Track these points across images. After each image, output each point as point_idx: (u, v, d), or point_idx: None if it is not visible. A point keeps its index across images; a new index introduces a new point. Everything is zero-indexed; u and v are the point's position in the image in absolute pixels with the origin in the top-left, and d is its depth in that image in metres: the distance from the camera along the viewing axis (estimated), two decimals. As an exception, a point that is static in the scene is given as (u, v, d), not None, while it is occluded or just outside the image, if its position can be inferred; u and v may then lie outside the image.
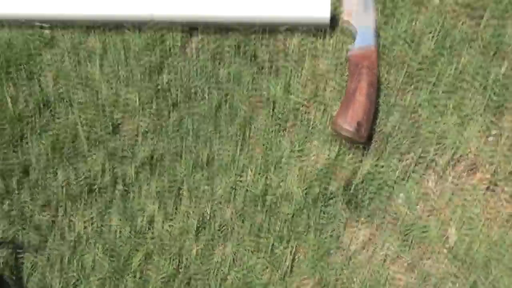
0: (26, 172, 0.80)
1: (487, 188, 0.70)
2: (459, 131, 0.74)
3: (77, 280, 0.73)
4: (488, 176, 0.70)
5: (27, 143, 0.82)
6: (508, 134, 0.73)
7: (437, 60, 0.80)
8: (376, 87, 0.77)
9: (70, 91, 0.86)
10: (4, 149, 0.81)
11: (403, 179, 0.72)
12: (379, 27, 0.83)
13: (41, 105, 0.85)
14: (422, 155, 0.73)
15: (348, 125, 0.72)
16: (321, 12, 0.81)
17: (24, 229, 0.76)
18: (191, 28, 0.85)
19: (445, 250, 0.67)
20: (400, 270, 0.68)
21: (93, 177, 0.78)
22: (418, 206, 0.70)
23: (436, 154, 0.72)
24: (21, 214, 0.77)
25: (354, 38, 0.82)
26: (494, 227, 0.67)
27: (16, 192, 0.79)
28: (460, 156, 0.72)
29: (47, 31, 0.91)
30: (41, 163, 0.80)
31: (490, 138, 0.72)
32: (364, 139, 0.72)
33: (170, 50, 0.86)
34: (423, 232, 0.68)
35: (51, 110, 0.84)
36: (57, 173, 0.79)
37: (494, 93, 0.76)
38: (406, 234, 0.68)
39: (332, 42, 0.84)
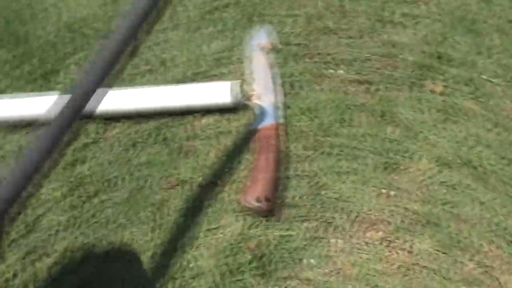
0: None
1: (383, 242, 0.74)
2: (358, 192, 0.79)
3: None
4: (384, 231, 0.74)
5: None
6: (402, 192, 0.78)
7: (335, 129, 0.86)
8: (281, 161, 0.82)
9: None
10: None
11: (311, 245, 0.75)
12: (286, 104, 0.90)
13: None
14: (326, 219, 0.77)
15: (248, 203, 0.76)
16: (224, 96, 0.88)
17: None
18: (110, 118, 0.90)
19: None
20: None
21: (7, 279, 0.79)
22: (325, 269, 0.72)
23: (338, 216, 0.77)
24: None
25: (257, 118, 0.88)
26: (389, 279, 0.70)
27: None
28: (357, 216, 0.77)
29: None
30: None
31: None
32: (271, 211, 0.76)
33: (91, 141, 0.91)
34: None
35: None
36: None
37: (384, 154, 0.82)
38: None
39: (241, 123, 0.90)
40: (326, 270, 0.73)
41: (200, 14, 1.08)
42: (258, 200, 0.76)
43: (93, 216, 0.83)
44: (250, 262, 0.74)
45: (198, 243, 0.78)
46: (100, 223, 0.81)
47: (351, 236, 0.75)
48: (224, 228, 0.79)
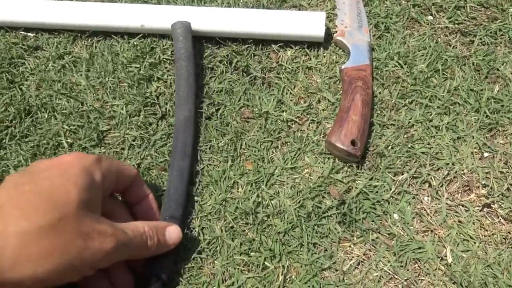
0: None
1: (482, 208, 0.69)
2: (453, 151, 0.73)
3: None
4: (482, 195, 0.69)
5: (5, 150, 0.78)
6: (501, 155, 0.73)
7: (429, 80, 0.80)
8: (370, 105, 0.76)
9: (53, 99, 0.82)
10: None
11: (396, 198, 0.70)
12: (373, 46, 0.83)
13: (22, 113, 0.81)
14: (415, 174, 0.72)
15: (341, 144, 0.70)
16: (316, 29, 0.81)
17: None
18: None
19: (441, 270, 0.65)
20: (395, 291, 0.66)
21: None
22: (412, 225, 0.68)
23: (429, 173, 0.71)
24: None
25: (347, 56, 0.81)
26: (489, 247, 0.66)
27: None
28: (454, 175, 0.71)
29: (31, 36, 0.88)
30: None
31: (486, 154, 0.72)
32: (358, 157, 0.71)
33: (160, 61, 0.84)
34: (419, 251, 0.66)
35: (32, 119, 0.81)
36: None
37: (486, 115, 0.76)
38: (401, 254, 0.66)
39: (325, 59, 0.83)
40: (417, 228, 0.68)
41: None
42: (353, 144, 0.70)
43: (165, 137, 0.77)
44: (332, 208, 0.70)
45: (277, 180, 0.73)
46: (171, 146, 0.76)
47: (443, 196, 0.70)
48: (304, 169, 0.73)
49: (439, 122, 0.75)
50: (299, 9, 0.88)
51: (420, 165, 0.72)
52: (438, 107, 0.77)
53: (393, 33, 0.85)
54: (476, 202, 0.69)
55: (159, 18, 0.84)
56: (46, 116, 0.81)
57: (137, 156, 0.76)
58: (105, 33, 0.87)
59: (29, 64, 0.86)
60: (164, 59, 0.84)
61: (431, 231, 0.68)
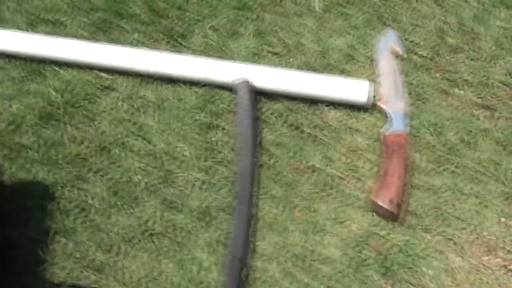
0: (84, 211, 0.85)
1: (501, 269, 0.80)
2: (478, 215, 0.84)
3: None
4: (504, 258, 0.80)
5: (86, 183, 0.88)
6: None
7: (456, 149, 0.91)
8: (407, 168, 0.87)
9: (126, 138, 0.92)
10: (63, 188, 0.87)
11: (430, 256, 0.81)
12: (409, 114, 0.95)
13: (99, 148, 0.91)
14: (446, 235, 0.83)
15: (388, 203, 0.81)
16: (360, 95, 0.92)
17: (82, 267, 0.80)
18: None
19: None
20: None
21: (146, 223, 0.84)
22: (443, 282, 0.79)
23: (458, 234, 0.83)
24: (79, 253, 0.82)
25: (388, 122, 0.93)
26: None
27: (74, 231, 0.83)
28: (476, 238, 0.83)
29: (105, 75, 0.98)
30: (99, 204, 0.86)
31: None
32: (398, 216, 0.82)
33: (221, 110, 0.95)
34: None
35: (108, 154, 0.91)
36: (111, 216, 0.85)
37: (505, 184, 0.88)
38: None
39: (367, 122, 0.94)
40: (445, 283, 0.79)
41: (328, 6, 1.09)
42: (391, 202, 0.82)
43: (225, 181, 0.88)
44: (374, 260, 0.80)
45: (325, 231, 0.83)
46: (231, 190, 0.86)
47: (469, 256, 0.81)
48: (350, 222, 0.84)
49: (465, 187, 0.87)
50: (344, 73, 0.99)
51: (447, 225, 0.83)
52: (464, 174, 0.88)
53: (424, 102, 0.96)
54: (497, 263, 0.80)
55: (222, 72, 0.95)
56: (118, 152, 0.91)
57: (200, 196, 0.86)
58: (172, 80, 0.97)
59: (103, 102, 0.96)
60: (225, 109, 0.95)
61: (457, 285, 0.79)
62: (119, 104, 0.97)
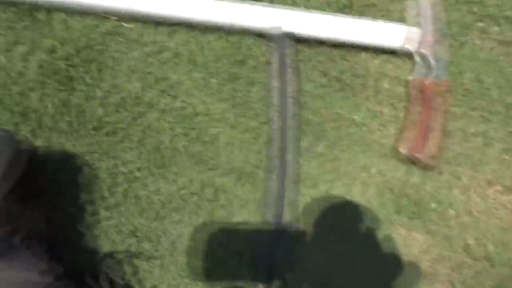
0: (118, 180, 0.84)
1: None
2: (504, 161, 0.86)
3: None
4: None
5: (115, 135, 0.85)
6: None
7: (494, 94, 0.90)
8: (446, 118, 0.87)
9: (154, 96, 0.88)
10: (91, 156, 0.84)
11: (458, 197, 0.84)
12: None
13: (122, 108, 0.87)
14: (475, 178, 0.85)
15: (427, 156, 0.82)
16: (395, 39, 0.88)
17: (125, 237, 0.82)
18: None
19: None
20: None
21: (182, 187, 0.85)
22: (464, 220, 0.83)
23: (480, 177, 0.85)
24: (120, 223, 0.82)
25: (429, 69, 0.90)
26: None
27: (112, 201, 0.83)
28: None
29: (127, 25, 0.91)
30: (130, 172, 0.84)
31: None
32: (435, 165, 0.83)
33: (254, 62, 0.90)
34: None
35: (135, 115, 0.87)
36: (147, 182, 0.84)
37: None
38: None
39: (402, 69, 0.92)
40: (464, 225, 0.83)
41: None
42: (429, 156, 0.83)
43: (260, 137, 0.87)
44: (408, 206, 0.84)
45: (358, 178, 0.85)
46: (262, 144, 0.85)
47: (488, 196, 0.85)
48: (380, 169, 0.86)
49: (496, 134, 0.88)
50: (386, 14, 0.94)
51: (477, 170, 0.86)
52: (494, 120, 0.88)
53: (463, 46, 0.92)
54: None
55: (256, 18, 0.88)
56: (143, 111, 0.87)
57: (234, 155, 0.86)
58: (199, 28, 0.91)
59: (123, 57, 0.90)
60: (259, 60, 0.90)
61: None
62: (143, 57, 0.90)
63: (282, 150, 0.83)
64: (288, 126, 0.84)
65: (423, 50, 0.91)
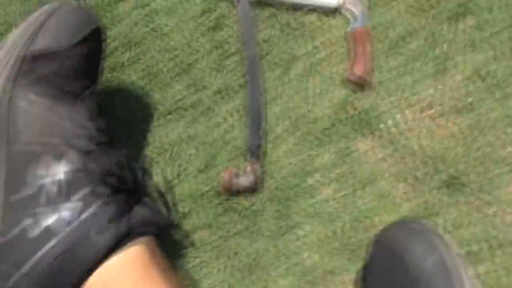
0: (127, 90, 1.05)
1: (438, 118, 1.14)
2: (419, 84, 1.17)
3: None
4: (438, 110, 1.14)
5: (119, 72, 1.07)
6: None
7: (402, 41, 1.22)
8: (372, 51, 1.17)
9: (147, 37, 1.12)
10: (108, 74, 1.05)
11: (389, 112, 1.12)
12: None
13: (126, 44, 1.10)
14: (399, 97, 1.15)
15: (360, 72, 1.11)
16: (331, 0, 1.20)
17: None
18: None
19: (417, 152, 1.10)
20: (390, 166, 1.09)
21: (176, 101, 1.07)
22: (397, 126, 1.11)
23: (407, 97, 1.15)
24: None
25: (353, 20, 1.21)
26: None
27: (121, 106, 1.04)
28: (421, 99, 1.16)
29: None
30: (133, 87, 1.06)
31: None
32: (369, 84, 1.12)
33: (223, 14, 1.17)
34: (404, 142, 1.10)
35: (134, 49, 1.10)
36: (145, 96, 1.06)
37: (440, 59, 1.21)
38: (393, 145, 1.09)
39: (336, 21, 1.22)
40: (400, 130, 1.11)
41: None
42: (365, 72, 1.11)
43: (236, 68, 1.12)
44: (351, 117, 1.11)
45: (317, 98, 1.12)
46: (241, 75, 1.11)
47: (415, 112, 1.14)
48: (333, 92, 1.13)
49: (407, 66, 1.19)
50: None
51: (402, 90, 1.15)
52: (407, 56, 1.20)
53: (377, 5, 1.26)
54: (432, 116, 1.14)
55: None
56: (141, 48, 1.10)
57: (218, 78, 1.10)
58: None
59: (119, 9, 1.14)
60: (226, 14, 1.17)
61: (410, 132, 1.12)
62: (134, 11, 1.14)
63: (252, 72, 1.08)
64: (255, 55, 1.10)
65: (348, 6, 1.22)
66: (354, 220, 1.04)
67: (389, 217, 1.05)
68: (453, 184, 1.10)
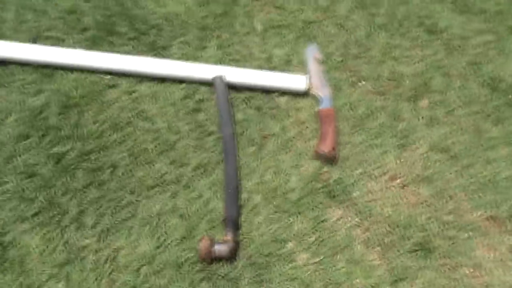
0: (114, 167, 1.14)
1: (401, 188, 1.23)
2: (383, 157, 1.28)
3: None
4: (401, 181, 1.24)
5: (108, 151, 1.17)
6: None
7: (364, 120, 1.35)
8: (336, 130, 1.29)
9: (133, 119, 1.23)
10: (94, 155, 1.15)
11: (356, 183, 1.22)
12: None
13: (113, 126, 1.21)
14: (364, 171, 1.25)
15: (327, 149, 1.22)
16: (300, 85, 1.34)
17: (113, 208, 1.10)
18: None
19: (383, 220, 1.18)
20: (360, 233, 1.16)
21: (160, 176, 1.16)
22: (366, 199, 1.20)
23: (372, 169, 1.25)
24: (112, 197, 1.11)
25: (319, 102, 1.35)
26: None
27: (106, 182, 1.12)
28: (385, 171, 1.26)
29: (107, 77, 1.30)
30: (124, 163, 1.15)
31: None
32: (335, 158, 1.22)
33: (204, 97, 1.30)
34: (371, 211, 1.18)
35: (122, 131, 1.21)
36: (134, 171, 1.15)
37: (400, 135, 1.33)
38: (361, 213, 1.18)
39: (307, 103, 1.36)
40: (368, 200, 1.20)
41: (266, 28, 1.50)
42: (332, 149, 1.22)
43: (214, 146, 1.23)
44: (322, 188, 1.20)
45: (289, 172, 1.21)
46: (219, 152, 1.21)
47: (383, 182, 1.24)
48: (304, 166, 1.23)
49: (372, 141, 1.30)
50: (285, 72, 1.40)
51: (364, 166, 1.26)
52: (371, 133, 1.32)
53: (339, 90, 1.40)
54: (397, 184, 1.24)
55: (200, 72, 1.31)
56: (129, 129, 1.21)
57: (198, 156, 1.20)
58: (161, 79, 1.31)
59: (110, 95, 1.26)
60: (205, 98, 1.30)
61: (375, 199, 1.21)
62: (122, 97, 1.27)
63: (229, 150, 1.19)
64: (231, 135, 1.21)
65: (315, 90, 1.37)
66: (329, 284, 1.08)
67: (363, 281, 1.10)
68: (421, 250, 1.17)
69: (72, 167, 1.15)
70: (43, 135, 1.17)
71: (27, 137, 1.18)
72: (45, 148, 1.17)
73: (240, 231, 1.11)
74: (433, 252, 1.16)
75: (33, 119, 1.20)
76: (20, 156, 1.15)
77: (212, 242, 1.04)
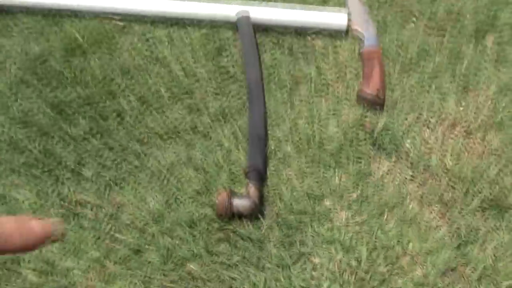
0: (120, 116, 0.99)
1: (464, 137, 1.01)
2: (440, 102, 1.06)
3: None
4: (464, 129, 1.01)
5: (118, 97, 1.01)
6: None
7: (420, 59, 1.13)
8: (383, 71, 1.08)
9: (146, 64, 1.07)
10: (99, 102, 1.00)
11: (409, 131, 1.00)
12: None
13: (123, 72, 1.05)
14: (420, 115, 1.03)
15: (372, 91, 1.01)
16: (340, 22, 1.13)
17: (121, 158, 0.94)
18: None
19: (444, 172, 0.96)
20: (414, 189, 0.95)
21: (174, 123, 0.99)
22: (421, 151, 0.98)
23: (428, 115, 1.03)
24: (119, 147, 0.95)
25: (363, 41, 1.14)
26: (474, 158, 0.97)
27: (113, 131, 0.97)
28: (444, 117, 1.04)
29: (118, 22, 1.14)
30: (131, 110, 0.99)
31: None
32: (382, 102, 1.01)
33: (226, 41, 1.12)
34: (427, 163, 0.96)
35: (133, 77, 1.05)
36: (145, 118, 0.99)
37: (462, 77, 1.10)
38: (414, 166, 0.96)
39: (347, 42, 1.15)
40: (422, 151, 0.98)
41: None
42: (378, 92, 1.01)
43: (237, 92, 1.05)
44: (366, 137, 0.99)
45: (326, 119, 1.01)
46: (243, 95, 1.03)
47: (438, 130, 1.01)
48: (344, 112, 1.03)
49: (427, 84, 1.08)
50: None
51: (417, 110, 1.04)
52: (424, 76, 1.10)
53: (386, 29, 1.18)
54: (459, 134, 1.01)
55: (222, 11, 1.14)
56: (141, 74, 1.05)
57: (216, 102, 1.02)
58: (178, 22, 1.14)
59: (120, 40, 1.11)
60: (227, 41, 1.12)
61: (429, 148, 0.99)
62: (135, 41, 1.11)
63: (256, 95, 1.01)
64: (258, 78, 1.03)
65: (357, 27, 1.16)
66: (375, 249, 0.88)
67: (418, 245, 0.89)
68: (491, 208, 0.94)
69: (74, 115, 1.01)
70: (43, 82, 1.04)
71: (26, 83, 1.04)
72: (45, 94, 1.03)
73: (266, 184, 0.93)
74: (507, 210, 0.92)
75: (34, 65, 1.07)
76: (16, 102, 1.02)
77: (232, 196, 0.87)
